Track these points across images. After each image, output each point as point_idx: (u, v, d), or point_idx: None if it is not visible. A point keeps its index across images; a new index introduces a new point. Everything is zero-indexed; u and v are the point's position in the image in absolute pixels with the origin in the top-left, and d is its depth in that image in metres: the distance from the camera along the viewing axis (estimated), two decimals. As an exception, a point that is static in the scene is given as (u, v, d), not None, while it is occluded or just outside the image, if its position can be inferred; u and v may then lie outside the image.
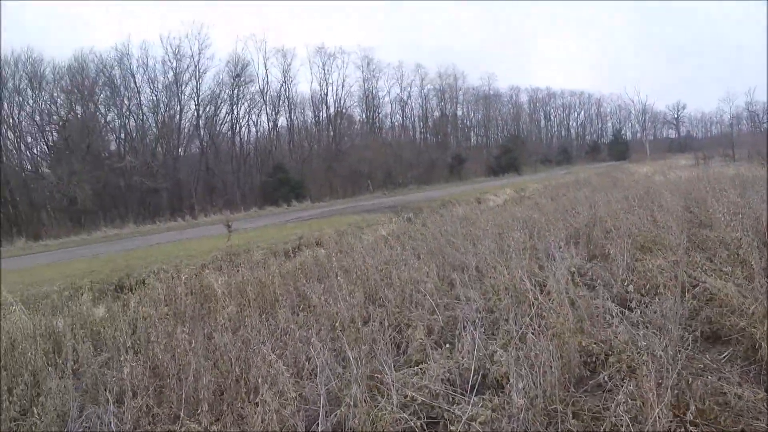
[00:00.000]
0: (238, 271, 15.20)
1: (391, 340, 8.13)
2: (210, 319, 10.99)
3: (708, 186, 21.44)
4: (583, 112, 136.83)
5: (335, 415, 5.94)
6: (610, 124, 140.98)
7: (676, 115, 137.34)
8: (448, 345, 7.60)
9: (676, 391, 5.22)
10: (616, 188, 27.97)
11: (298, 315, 9.91)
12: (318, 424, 5.52)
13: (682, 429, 4.87)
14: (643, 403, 5.17)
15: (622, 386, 5.56)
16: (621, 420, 4.96)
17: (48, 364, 8.69)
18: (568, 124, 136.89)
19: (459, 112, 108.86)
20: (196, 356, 7.46)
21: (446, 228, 18.26)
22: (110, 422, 6.36)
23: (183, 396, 6.66)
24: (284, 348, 8.13)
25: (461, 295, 9.75)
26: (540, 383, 5.72)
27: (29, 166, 58.80)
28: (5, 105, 56.27)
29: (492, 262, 11.45)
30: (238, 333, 9.04)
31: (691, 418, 4.74)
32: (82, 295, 15.91)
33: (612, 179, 37.83)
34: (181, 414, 6.36)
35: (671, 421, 4.96)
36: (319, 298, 10.26)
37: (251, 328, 8.91)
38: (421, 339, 8.01)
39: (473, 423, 5.37)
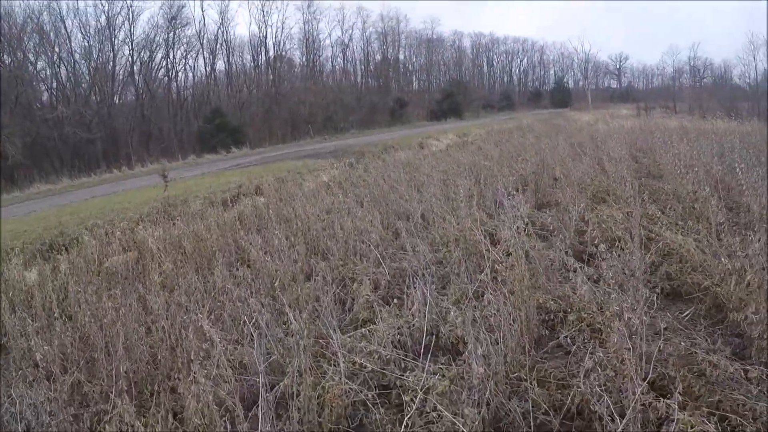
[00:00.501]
0: (174, 224, 14.68)
1: (335, 297, 7.66)
2: (145, 278, 10.41)
3: (653, 137, 21.36)
4: (526, 59, 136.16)
5: (278, 388, 5.42)
6: (552, 72, 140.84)
7: (618, 66, 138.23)
8: (396, 300, 7.15)
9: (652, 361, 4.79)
10: (559, 135, 27.83)
11: (237, 270, 9.44)
12: (259, 401, 4.95)
13: (661, 402, 4.44)
14: (615, 373, 4.77)
15: (588, 350, 5.12)
16: (594, 391, 4.52)
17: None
18: (511, 70, 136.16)
19: (401, 56, 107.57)
20: (124, 325, 6.87)
21: (389, 174, 17.81)
22: (42, 402, 5.79)
23: (113, 371, 6.04)
24: (222, 309, 7.62)
25: (407, 246, 9.29)
26: (501, 348, 5.29)
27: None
28: None
29: (438, 210, 11.02)
30: (173, 295, 8.44)
31: (680, 397, 4.28)
32: (11, 259, 15.19)
33: (555, 126, 37.93)
34: (112, 393, 5.75)
35: (647, 393, 4.55)
36: (258, 252, 9.64)
37: (185, 290, 8.40)
38: (368, 295, 7.53)
39: (429, 395, 4.88)
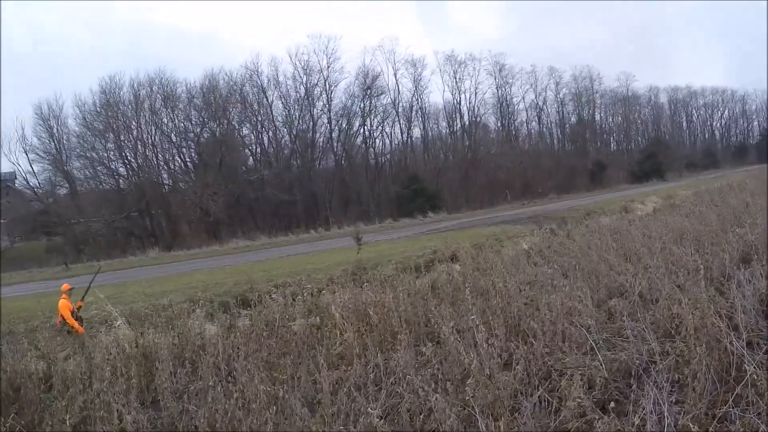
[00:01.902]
0: (362, 288, 13.78)
1: (539, 398, 6.27)
2: (323, 346, 9.80)
3: None
4: (726, 111, 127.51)
5: None
6: (756, 123, 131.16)
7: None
8: (614, 405, 5.70)
9: None
10: (777, 193, 25.03)
11: (424, 346, 8.36)
12: None
13: None
14: None
15: None
16: None
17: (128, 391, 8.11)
18: (712, 124, 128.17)
19: (597, 117, 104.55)
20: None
21: (595, 242, 16.28)
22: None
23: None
24: (400, 399, 6.61)
25: (627, 331, 7.79)
26: None
27: (167, 182, 60.42)
28: (143, 126, 58.71)
29: (661, 286, 9.38)
30: (349, 372, 7.66)
31: None
32: (195, 310, 15.04)
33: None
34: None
35: None
36: (449, 329, 8.28)
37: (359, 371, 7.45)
38: (579, 398, 6.04)
39: None
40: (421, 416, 6.13)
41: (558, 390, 6.52)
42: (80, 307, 14.56)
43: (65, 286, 14.59)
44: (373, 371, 7.91)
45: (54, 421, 7.59)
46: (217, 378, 7.71)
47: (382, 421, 5.39)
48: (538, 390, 6.46)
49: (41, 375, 9.78)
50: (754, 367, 5.44)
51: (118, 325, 13.40)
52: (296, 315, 12.26)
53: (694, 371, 5.92)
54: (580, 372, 6.68)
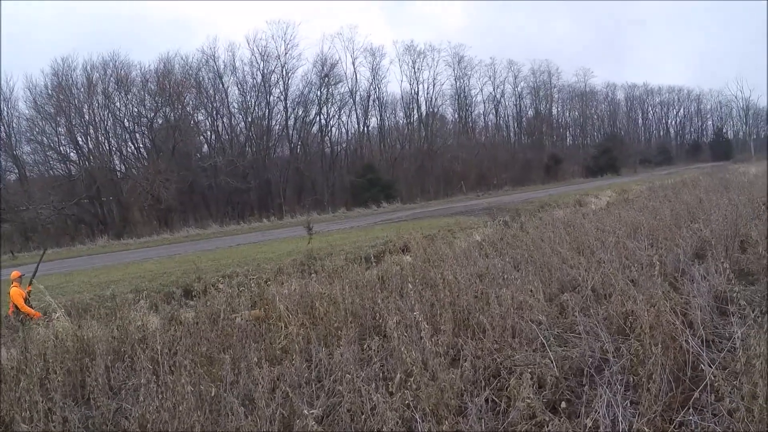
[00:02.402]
0: (311, 279, 13.87)
1: (486, 399, 5.94)
2: (266, 340, 9.54)
3: None
4: (682, 110, 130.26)
5: None
6: (710, 122, 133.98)
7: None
8: (565, 405, 5.39)
9: None
10: (729, 191, 25.12)
11: (369, 340, 8.10)
12: None
13: None
14: None
15: None
16: None
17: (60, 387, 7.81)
18: (667, 122, 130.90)
19: (554, 111, 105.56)
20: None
21: (548, 234, 16.07)
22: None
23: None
24: (340, 399, 6.27)
25: (579, 327, 7.49)
26: None
27: (120, 168, 59.52)
28: (95, 110, 57.58)
29: (615, 281, 9.11)
30: (290, 368, 7.37)
31: None
32: (139, 301, 14.65)
33: (722, 180, 34.80)
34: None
35: None
36: (395, 327, 7.86)
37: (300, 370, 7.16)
38: (529, 398, 5.68)
39: None
40: (363, 417, 5.77)
41: (507, 389, 6.19)
42: (29, 292, 14.26)
43: (15, 274, 14.27)
44: (316, 367, 7.61)
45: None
46: (153, 374, 7.21)
47: (319, 425, 5.02)
48: (486, 390, 6.15)
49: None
50: (712, 368, 5.16)
51: (57, 317, 12.85)
52: (241, 307, 11.89)
53: (649, 372, 5.60)
54: (530, 370, 6.32)
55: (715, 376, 5.15)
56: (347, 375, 6.43)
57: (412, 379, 6.20)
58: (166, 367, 7.55)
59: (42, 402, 6.99)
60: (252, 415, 6.09)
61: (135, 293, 17.19)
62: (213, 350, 9.07)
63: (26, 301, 13.69)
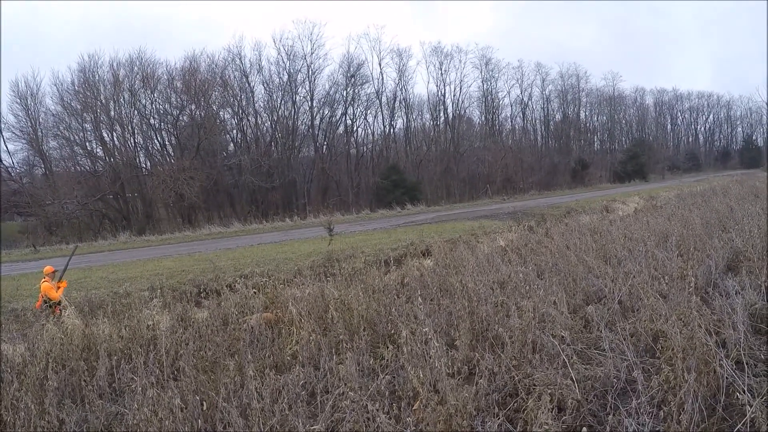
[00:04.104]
0: (328, 282, 13.55)
1: (500, 423, 5.50)
2: (274, 345, 9.39)
3: None
4: (711, 116, 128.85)
5: None
6: (740, 129, 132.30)
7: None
8: (585, 431, 4.95)
9: None
10: (759, 199, 24.49)
11: (383, 348, 8.05)
12: None
13: None
14: None
15: None
16: None
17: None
18: (696, 128, 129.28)
19: (582, 115, 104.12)
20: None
21: (574, 241, 15.61)
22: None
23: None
24: (343, 415, 5.95)
25: (604, 343, 7.06)
26: None
27: (144, 164, 59.66)
28: (121, 106, 57.66)
29: (644, 294, 8.65)
30: (295, 382, 6.93)
31: None
32: (153, 299, 14.44)
33: (751, 188, 34.11)
34: None
35: None
36: (405, 341, 7.43)
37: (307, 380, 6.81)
38: (547, 424, 5.23)
39: None
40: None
41: (523, 411, 5.76)
42: (61, 287, 14.02)
43: (48, 269, 14.07)
44: (324, 377, 7.28)
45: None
46: (155, 379, 7.03)
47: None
48: (500, 413, 5.70)
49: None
50: (747, 395, 4.71)
51: (68, 314, 12.62)
52: (253, 309, 11.62)
53: (680, 401, 5.16)
54: (549, 391, 5.88)
55: (751, 405, 4.72)
56: (350, 393, 6.06)
57: (418, 402, 5.81)
58: (168, 372, 7.29)
59: (34, 404, 6.68)
60: (247, 430, 5.76)
61: (150, 291, 17.02)
62: (219, 355, 8.75)
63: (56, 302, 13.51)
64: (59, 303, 13.38)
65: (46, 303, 13.28)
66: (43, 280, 13.63)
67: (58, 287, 13.82)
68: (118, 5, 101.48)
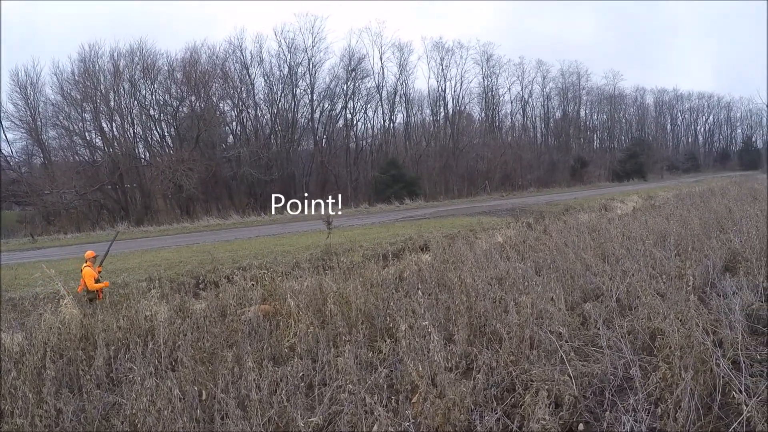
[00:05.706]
0: (326, 275, 13.59)
1: (497, 418, 5.53)
2: (272, 337, 9.49)
3: None
4: (711, 117, 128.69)
5: None
6: (740, 130, 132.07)
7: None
8: (582, 427, 4.98)
9: None
10: (757, 201, 24.55)
11: (381, 342, 8.13)
12: None
13: None
14: None
15: None
16: None
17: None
18: (696, 129, 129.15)
19: (582, 113, 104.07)
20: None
21: (572, 239, 15.66)
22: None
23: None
24: (340, 407, 6.00)
25: (601, 339, 7.08)
26: None
27: (144, 155, 59.64)
28: (121, 96, 57.48)
29: (641, 292, 8.68)
30: (293, 374, 7.01)
31: None
32: (151, 290, 14.43)
33: (750, 190, 34.22)
34: None
35: None
36: (404, 335, 7.47)
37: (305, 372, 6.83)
38: (544, 420, 5.27)
39: None
40: (365, 430, 5.42)
41: (521, 406, 5.80)
42: (99, 272, 14.05)
43: (89, 253, 14.04)
44: (321, 370, 7.31)
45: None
46: (153, 369, 7.11)
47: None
48: (498, 408, 5.74)
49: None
50: (744, 395, 4.74)
51: (65, 304, 12.59)
52: (251, 301, 11.67)
53: (677, 399, 5.19)
54: (547, 387, 5.92)
55: (747, 405, 4.76)
56: (349, 385, 6.09)
57: (417, 395, 5.84)
58: (166, 363, 7.31)
59: (32, 393, 6.72)
60: (245, 422, 5.78)
61: (148, 281, 17.02)
62: (217, 346, 8.82)
63: (96, 281, 13.53)
64: (97, 292, 13.43)
65: (86, 288, 13.36)
66: (85, 264, 13.64)
67: (98, 272, 13.85)
68: (118, 5, 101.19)
